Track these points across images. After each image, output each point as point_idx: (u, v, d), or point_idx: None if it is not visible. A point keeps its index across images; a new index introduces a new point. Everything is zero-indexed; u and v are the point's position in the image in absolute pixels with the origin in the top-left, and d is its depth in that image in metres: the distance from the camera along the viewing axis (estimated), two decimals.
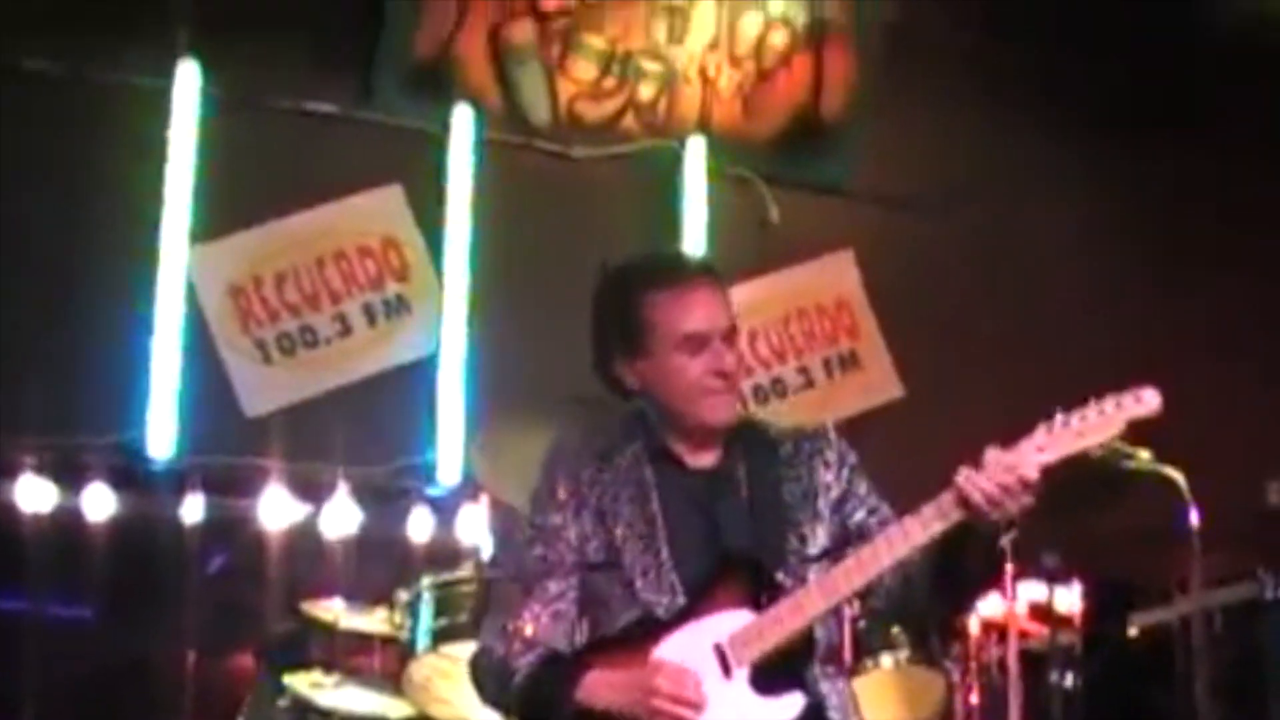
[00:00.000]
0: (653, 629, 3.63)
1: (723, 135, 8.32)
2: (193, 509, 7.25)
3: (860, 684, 5.87)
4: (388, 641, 6.32)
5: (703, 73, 8.32)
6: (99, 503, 7.17)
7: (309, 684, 6.23)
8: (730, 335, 3.76)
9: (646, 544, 3.69)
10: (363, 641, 6.49)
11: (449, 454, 7.54)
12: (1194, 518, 5.19)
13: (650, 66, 8.26)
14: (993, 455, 3.50)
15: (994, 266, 8.56)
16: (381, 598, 6.32)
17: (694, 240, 8.11)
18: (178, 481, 7.28)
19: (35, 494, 7.06)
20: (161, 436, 7.19)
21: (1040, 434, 3.53)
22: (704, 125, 8.31)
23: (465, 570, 5.80)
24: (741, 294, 8.07)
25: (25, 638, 7.13)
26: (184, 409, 7.23)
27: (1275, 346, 8.58)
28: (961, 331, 8.32)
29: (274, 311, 7.57)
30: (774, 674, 3.57)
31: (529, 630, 3.70)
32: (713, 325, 3.72)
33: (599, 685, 3.58)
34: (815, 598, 3.58)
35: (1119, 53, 8.67)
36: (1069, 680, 6.99)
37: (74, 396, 7.09)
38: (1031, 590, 7.15)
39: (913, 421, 8.19)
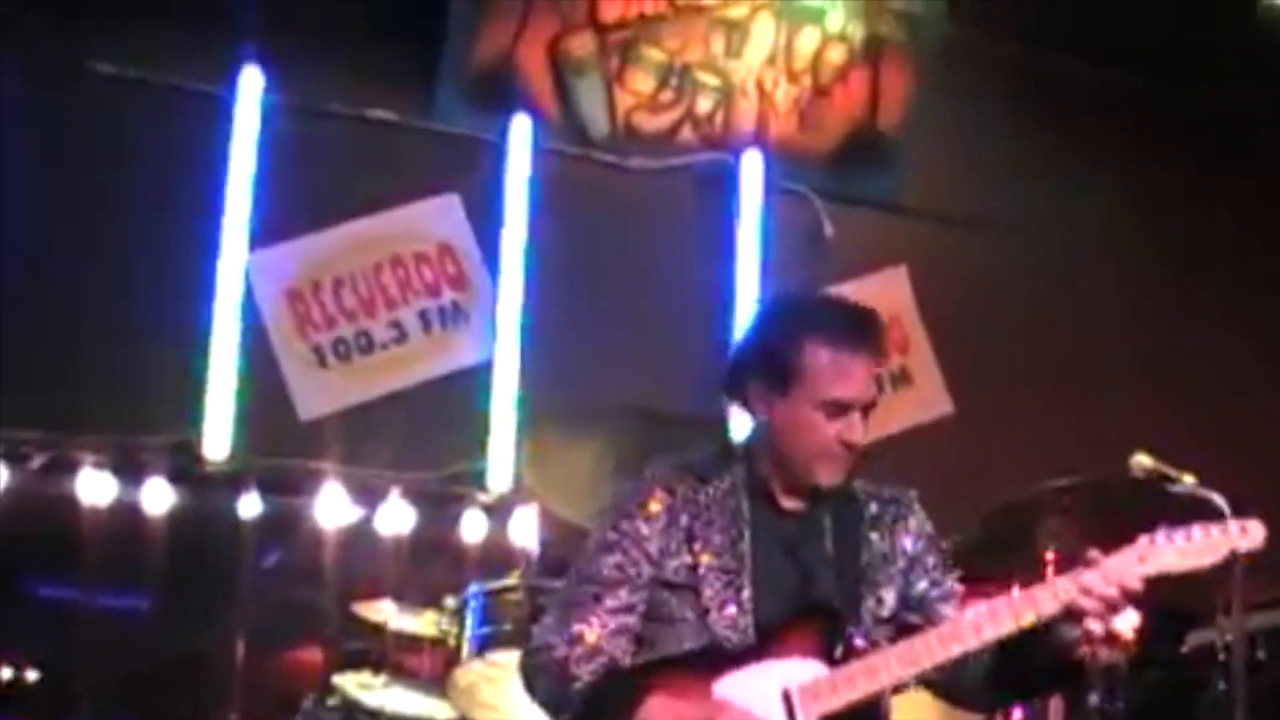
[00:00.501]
0: (718, 660, 3.61)
1: (778, 149, 8.35)
2: (248, 506, 7.31)
3: (900, 702, 5.94)
4: (437, 644, 6.35)
5: (760, 86, 8.35)
6: (157, 497, 7.24)
7: (357, 684, 6.28)
8: (870, 407, 3.72)
9: (730, 580, 3.68)
10: (412, 643, 6.53)
11: (500, 461, 7.59)
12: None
13: (708, 80, 8.29)
14: (1103, 564, 3.55)
15: (1046, 284, 8.55)
16: (434, 599, 6.36)
17: (748, 252, 8.15)
18: (234, 481, 7.34)
19: (95, 488, 7.12)
20: (218, 438, 7.27)
21: (1143, 544, 3.59)
22: (760, 139, 8.34)
23: (512, 579, 5.83)
24: None
25: (83, 627, 7.20)
26: (241, 411, 7.31)
27: None
28: (1012, 349, 8.33)
29: (331, 317, 7.64)
30: None
31: (593, 636, 3.68)
32: (860, 397, 3.68)
33: (660, 712, 3.55)
34: (893, 664, 3.57)
35: (1178, 71, 8.65)
36: (1110, 700, 6.97)
37: (134, 397, 7.15)
38: None
39: (962, 438, 8.20)
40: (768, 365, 3.72)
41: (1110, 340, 8.47)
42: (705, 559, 3.68)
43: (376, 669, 6.36)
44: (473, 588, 5.83)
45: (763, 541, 3.71)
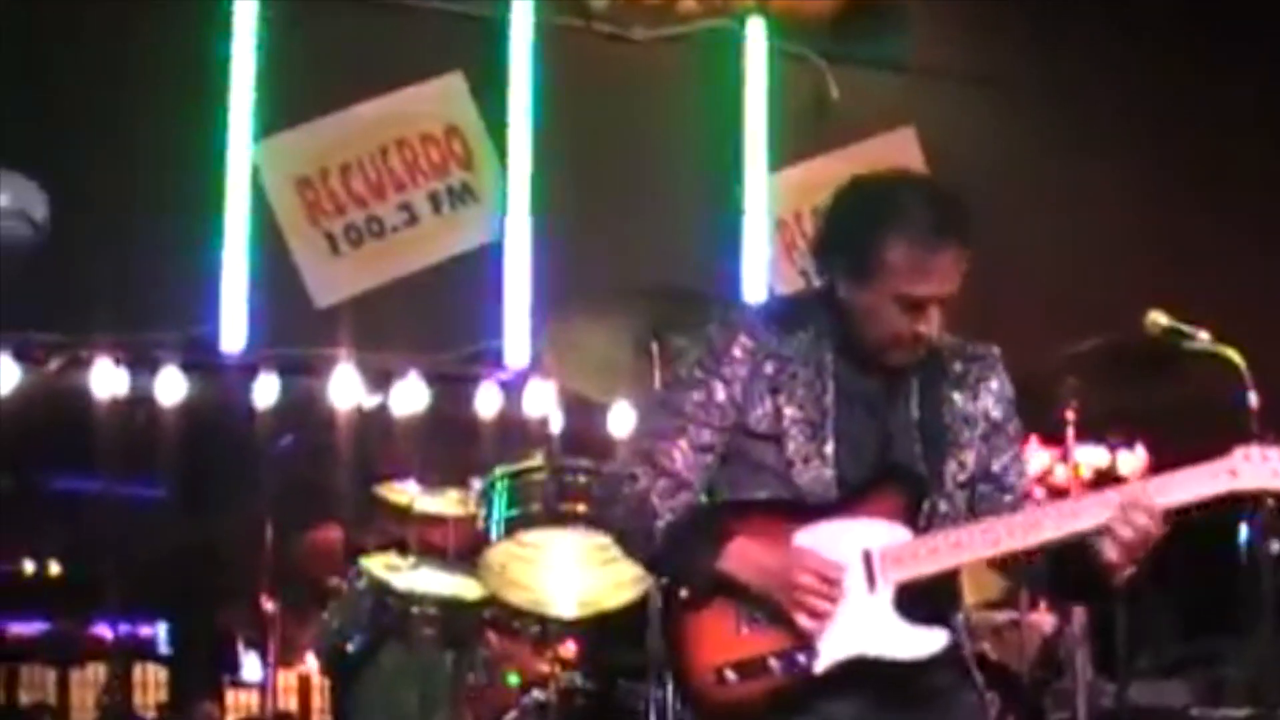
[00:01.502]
0: (801, 511, 3.59)
1: (781, 13, 8.29)
2: (264, 393, 7.34)
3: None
4: (459, 521, 6.39)
5: None
6: (172, 388, 7.26)
7: (384, 565, 6.31)
8: (947, 300, 3.63)
9: (813, 433, 3.63)
10: (436, 521, 6.56)
11: (516, 339, 7.60)
12: (1253, 398, 5.19)
13: None
14: (1183, 473, 3.54)
15: (1056, 142, 8.51)
16: (453, 477, 6.39)
17: (755, 120, 8.12)
18: (250, 370, 7.36)
19: (110, 381, 7.14)
20: (233, 329, 7.29)
21: (1236, 457, 3.55)
22: (763, 4, 8.28)
23: (536, 460, 5.85)
24: (803, 173, 8.15)
25: (103, 518, 7.25)
26: (255, 302, 7.33)
27: None
28: (1020, 205, 8.30)
29: (340, 203, 7.63)
30: (918, 603, 3.53)
31: (677, 468, 3.65)
32: (937, 293, 3.60)
33: (743, 557, 3.53)
34: (978, 542, 3.54)
35: None
36: None
37: (147, 292, 7.18)
38: (1094, 456, 7.16)
39: (973, 295, 8.18)
40: (849, 252, 3.63)
41: (1124, 198, 8.44)
42: (789, 410, 3.63)
43: (403, 550, 6.40)
44: (498, 470, 5.82)
45: (845, 397, 3.65)
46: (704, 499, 3.71)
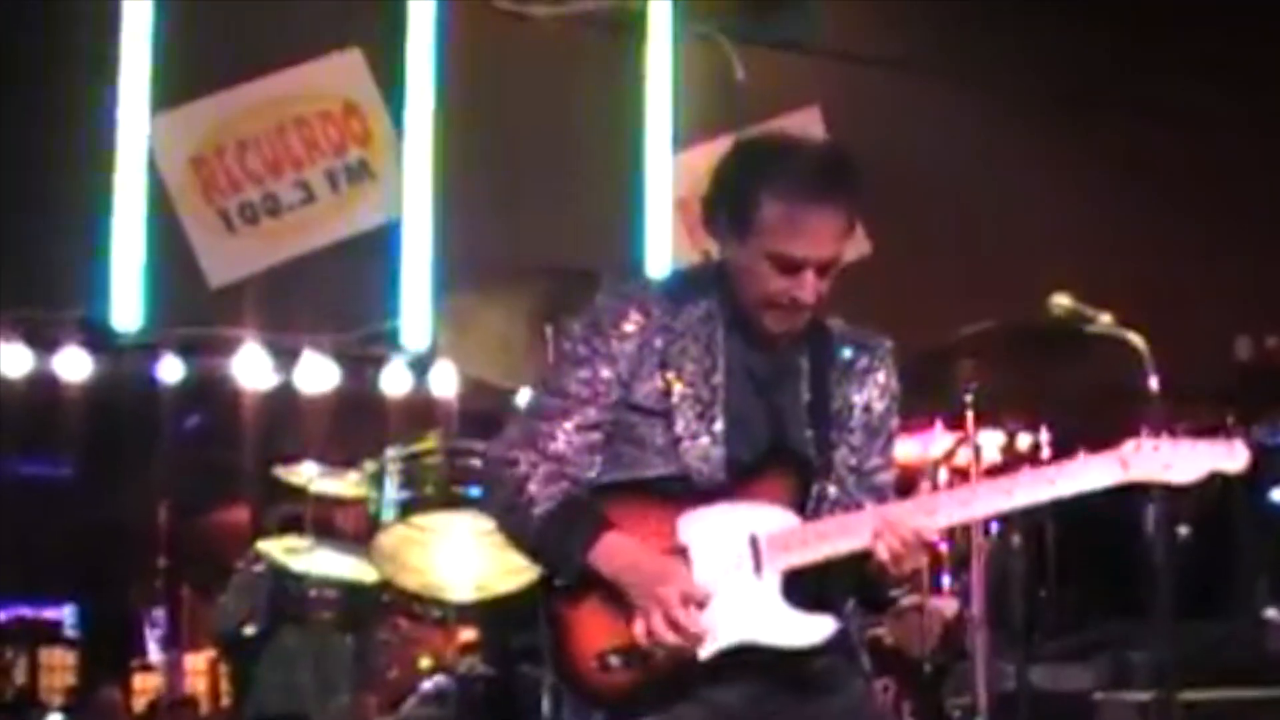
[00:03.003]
0: (685, 493, 3.51)
1: None
2: (167, 372, 7.27)
3: None
4: (360, 502, 6.33)
5: None
6: (73, 367, 7.18)
7: (283, 549, 6.26)
8: (827, 265, 3.50)
9: (703, 410, 3.56)
10: (336, 503, 6.50)
11: (415, 320, 7.54)
12: (1153, 380, 5.19)
13: None
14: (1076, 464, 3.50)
15: (960, 123, 8.53)
16: (358, 458, 6.31)
17: (659, 99, 8.07)
18: (149, 348, 7.28)
19: (10, 360, 7.08)
20: (127, 308, 7.20)
21: (1130, 448, 3.49)
22: None
23: (430, 442, 5.78)
24: (707, 152, 8.08)
25: (8, 496, 7.17)
26: (150, 281, 7.23)
27: (1243, 204, 8.59)
28: (926, 188, 8.31)
29: (236, 180, 7.55)
30: (806, 589, 3.47)
31: (556, 452, 3.57)
32: (812, 254, 3.47)
33: (612, 554, 3.44)
34: (867, 528, 3.44)
35: None
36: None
37: (41, 271, 7.09)
38: (995, 439, 7.18)
39: (880, 279, 8.18)
40: (727, 209, 3.55)
41: (1025, 178, 8.46)
42: (678, 386, 3.56)
43: (301, 531, 6.34)
44: (390, 452, 5.77)
45: (736, 375, 3.58)
46: (591, 476, 3.60)
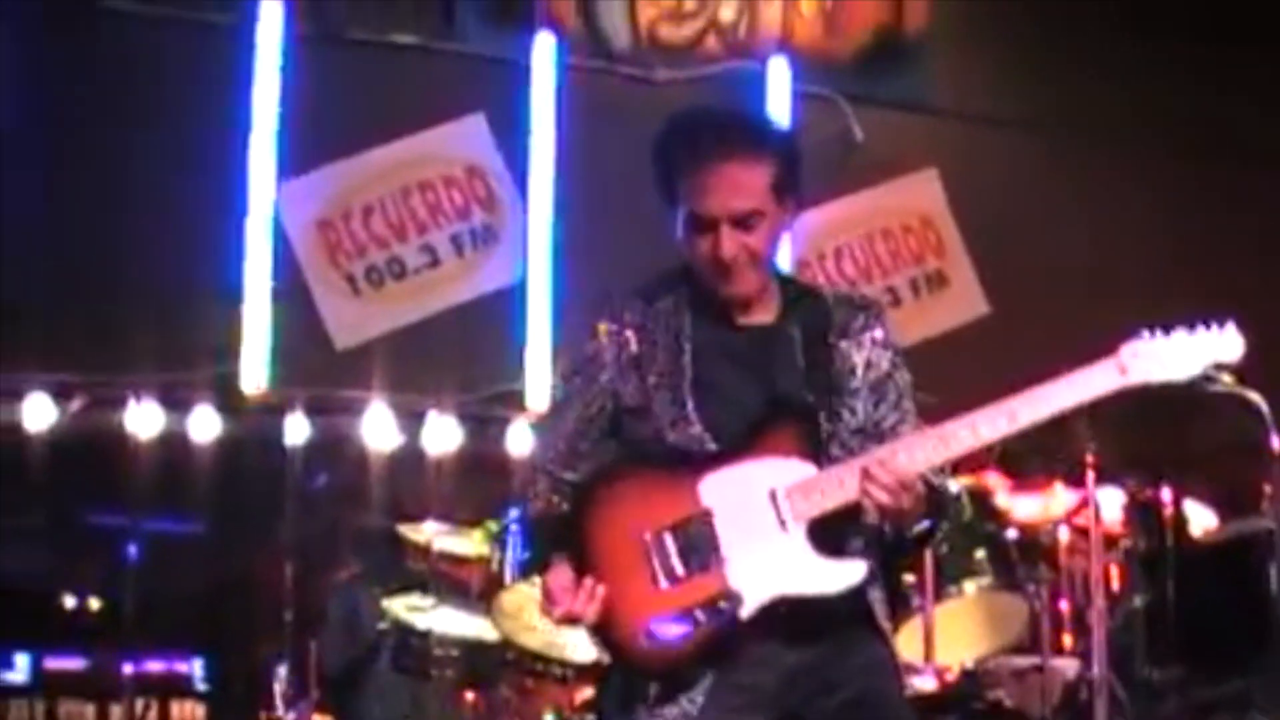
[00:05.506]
0: (704, 456, 3.58)
1: (804, 54, 8.31)
2: (294, 432, 7.35)
3: (943, 611, 5.95)
4: (483, 561, 6.39)
5: None
6: (204, 427, 7.32)
7: (407, 607, 6.30)
8: (745, 219, 3.56)
9: (673, 395, 3.62)
10: (459, 561, 6.56)
11: (537, 381, 7.60)
12: (1275, 439, 5.16)
13: None
14: (1074, 374, 3.51)
15: (1076, 180, 8.49)
16: (482, 517, 6.38)
17: None
18: (275, 410, 7.37)
19: (143, 420, 7.19)
20: (254, 371, 7.33)
21: (1125, 354, 3.53)
22: (785, 44, 8.31)
23: None
24: (826, 213, 8.14)
25: (141, 554, 7.26)
26: (276, 344, 7.36)
27: None
28: (1046, 248, 8.28)
29: (361, 245, 7.67)
30: (832, 536, 3.52)
31: (556, 455, 3.71)
32: (717, 209, 3.55)
33: (548, 579, 3.59)
34: (901, 455, 3.48)
35: None
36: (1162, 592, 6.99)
37: (175, 336, 7.23)
38: (1115, 497, 7.13)
39: (999, 338, 8.18)
40: (659, 187, 3.68)
41: (1146, 239, 8.41)
42: (651, 379, 3.64)
43: (424, 590, 6.39)
44: (514, 512, 5.84)
45: (706, 355, 3.64)
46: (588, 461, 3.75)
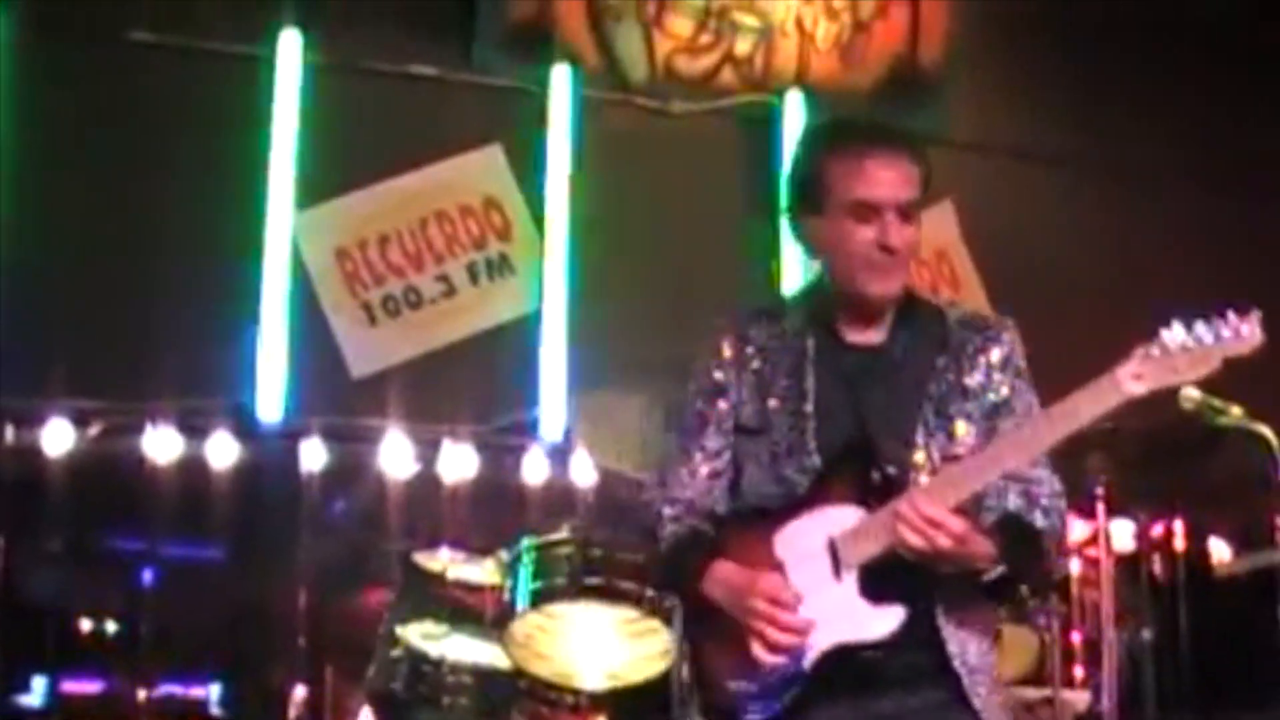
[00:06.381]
0: (780, 508, 3.59)
1: (820, 87, 8.32)
2: (312, 459, 7.35)
3: None
4: (497, 588, 6.41)
5: (799, 25, 8.34)
6: (224, 453, 7.33)
7: (421, 635, 6.31)
8: (906, 209, 3.61)
9: (794, 420, 3.62)
10: (474, 589, 6.57)
11: (552, 411, 7.63)
12: None
13: (746, 20, 8.30)
14: (1081, 391, 3.48)
15: (1091, 214, 8.50)
16: (497, 545, 6.40)
17: None
18: (291, 438, 7.39)
19: (164, 444, 7.21)
20: (271, 400, 7.37)
21: (1136, 361, 3.49)
22: (801, 78, 8.33)
23: (563, 532, 5.88)
24: None
25: (159, 580, 7.29)
26: (293, 372, 7.40)
27: None
28: (1061, 281, 8.29)
29: (378, 274, 7.70)
30: (882, 580, 3.49)
31: (682, 488, 3.69)
32: (886, 196, 3.58)
33: (718, 579, 3.56)
34: (917, 500, 3.44)
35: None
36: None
37: (192, 364, 7.22)
38: (1126, 529, 7.14)
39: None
40: (802, 191, 3.67)
41: (1158, 268, 8.40)
42: (772, 402, 3.63)
43: (438, 617, 6.41)
44: (525, 542, 5.87)
45: (824, 379, 3.62)
46: (717, 507, 3.71)
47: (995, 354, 3.69)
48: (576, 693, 5.99)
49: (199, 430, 7.29)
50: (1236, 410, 4.92)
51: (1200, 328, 3.51)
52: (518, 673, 6.03)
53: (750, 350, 3.69)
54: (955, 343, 3.67)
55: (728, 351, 3.71)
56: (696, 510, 3.70)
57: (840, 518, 3.54)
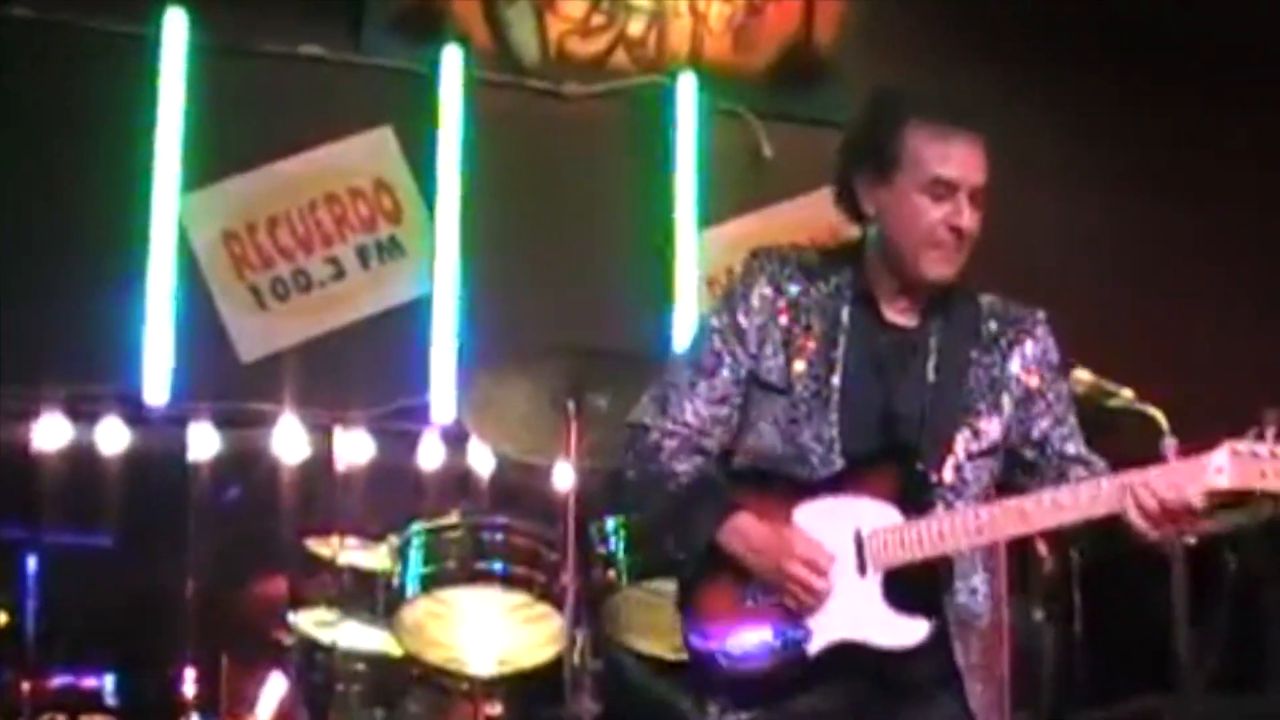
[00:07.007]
0: (805, 484, 3.56)
1: (714, 69, 8.28)
2: (203, 445, 7.29)
3: None
4: (389, 575, 6.36)
5: (693, 7, 8.29)
6: (113, 439, 7.24)
7: (314, 622, 6.28)
8: (978, 194, 3.60)
9: (819, 389, 3.57)
10: (368, 576, 6.52)
11: (442, 395, 7.55)
12: (1172, 454, 5.19)
13: (639, 1, 8.24)
14: (1165, 469, 3.44)
15: (989, 198, 8.50)
16: (393, 530, 6.35)
17: (686, 176, 8.10)
18: (179, 423, 7.30)
19: (49, 434, 7.12)
20: (157, 384, 7.26)
21: (1223, 454, 3.43)
22: (695, 60, 8.28)
23: (452, 517, 5.85)
24: (735, 229, 8.12)
25: (49, 569, 7.20)
26: (181, 356, 7.29)
27: (1272, 277, 8.56)
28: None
29: (267, 256, 7.61)
30: (908, 588, 3.48)
31: (687, 424, 3.64)
32: (965, 176, 3.57)
33: (741, 533, 3.51)
34: (961, 533, 3.47)
35: None
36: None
37: (78, 348, 7.14)
38: None
39: None
40: (871, 154, 3.62)
41: (1055, 260, 8.41)
42: (798, 364, 3.58)
43: (331, 604, 6.36)
44: (414, 526, 5.84)
45: (856, 353, 3.59)
46: (720, 450, 3.69)
47: (1029, 346, 3.70)
48: (469, 679, 5.97)
49: (86, 416, 7.18)
50: (1128, 393, 4.92)
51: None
52: (409, 659, 6.00)
53: (783, 303, 3.64)
54: (990, 333, 3.67)
55: (756, 301, 3.65)
56: (696, 447, 3.65)
57: (873, 513, 3.51)
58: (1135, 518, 3.41)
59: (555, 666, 5.61)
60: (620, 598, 5.83)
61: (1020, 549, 6.72)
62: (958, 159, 3.56)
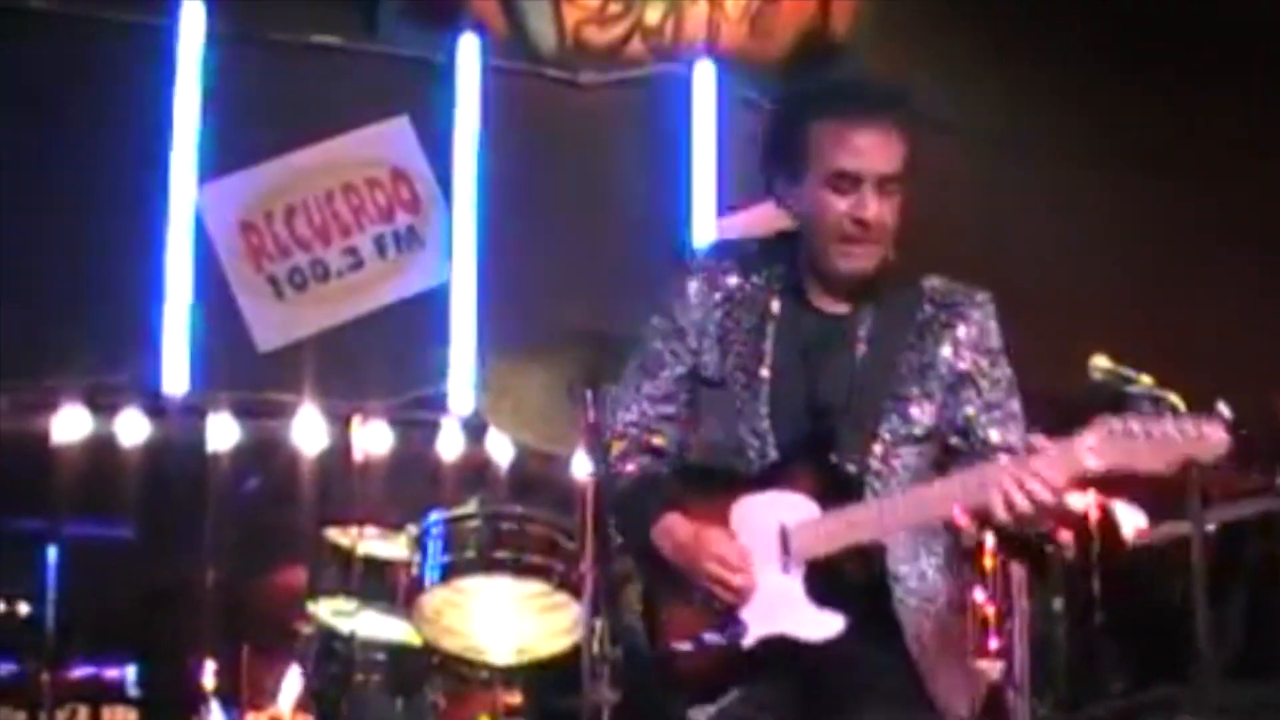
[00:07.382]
0: (741, 479, 3.59)
1: (730, 58, 8.29)
2: (223, 435, 7.30)
3: None
4: (408, 564, 6.36)
5: None
6: (134, 430, 7.26)
7: (332, 611, 6.28)
8: (886, 184, 3.55)
9: (748, 381, 3.60)
10: (386, 565, 6.53)
11: (460, 384, 7.58)
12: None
13: None
14: (1037, 455, 3.39)
15: (1003, 188, 8.50)
16: (412, 520, 6.35)
17: (703, 164, 8.09)
18: (197, 413, 7.33)
19: (70, 425, 7.12)
20: (175, 373, 7.29)
21: (1095, 434, 3.41)
22: (711, 48, 8.29)
23: (470, 507, 5.85)
24: (750, 215, 8.10)
25: (71, 560, 7.21)
26: (198, 346, 7.33)
27: None
28: (969, 253, 8.26)
29: (285, 247, 7.63)
30: (829, 580, 3.50)
31: (630, 416, 3.73)
32: (867, 166, 3.51)
33: (670, 532, 3.57)
34: (871, 523, 3.48)
35: None
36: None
37: (94, 336, 7.15)
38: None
39: None
40: (781, 154, 3.61)
41: (1064, 241, 8.42)
42: (731, 358, 3.61)
43: (350, 594, 6.36)
44: (433, 516, 5.85)
45: (784, 343, 3.61)
46: (671, 450, 3.73)
47: (962, 330, 3.65)
48: (487, 667, 5.97)
49: (107, 407, 7.20)
50: (1146, 378, 4.91)
51: (1169, 422, 3.42)
52: (428, 649, 6.01)
53: (718, 297, 3.67)
54: (924, 317, 3.64)
55: (694, 295, 3.68)
56: (646, 446, 3.71)
57: (794, 506, 3.53)
58: (1000, 511, 3.37)
59: (574, 655, 5.60)
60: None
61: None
62: (859, 151, 3.52)
